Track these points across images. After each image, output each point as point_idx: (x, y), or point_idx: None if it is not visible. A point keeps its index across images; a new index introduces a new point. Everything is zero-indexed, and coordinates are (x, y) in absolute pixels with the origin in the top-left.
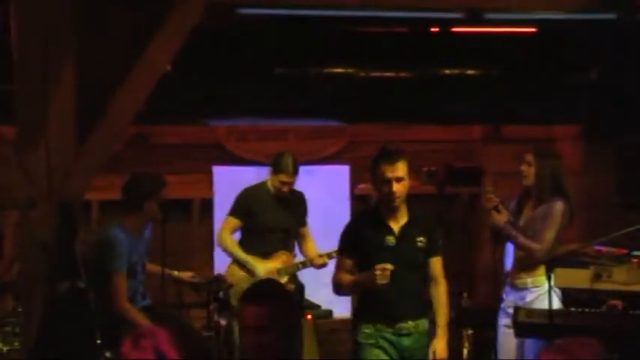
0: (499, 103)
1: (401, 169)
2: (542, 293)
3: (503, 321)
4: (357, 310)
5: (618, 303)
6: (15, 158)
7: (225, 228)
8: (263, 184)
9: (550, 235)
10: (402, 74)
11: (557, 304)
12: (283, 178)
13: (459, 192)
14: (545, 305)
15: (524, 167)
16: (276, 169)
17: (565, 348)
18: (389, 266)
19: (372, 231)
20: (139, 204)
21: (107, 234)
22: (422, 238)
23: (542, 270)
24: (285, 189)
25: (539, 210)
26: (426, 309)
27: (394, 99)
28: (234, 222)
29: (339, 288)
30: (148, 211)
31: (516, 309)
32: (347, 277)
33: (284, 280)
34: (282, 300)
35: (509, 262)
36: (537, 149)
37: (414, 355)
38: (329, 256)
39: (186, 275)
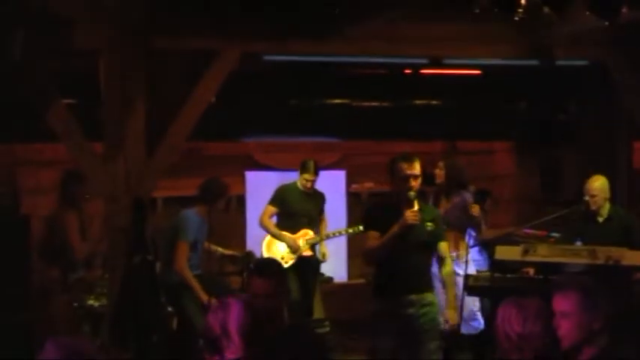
0: (455, 125)
1: (417, 168)
2: (465, 261)
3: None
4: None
5: (529, 270)
6: (102, 165)
7: (265, 213)
8: (294, 182)
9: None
10: (384, 104)
11: (472, 270)
12: (307, 177)
13: (425, 190)
14: (469, 270)
15: (437, 171)
16: (302, 170)
17: (520, 303)
18: (416, 207)
19: (391, 214)
20: (214, 200)
21: (183, 214)
22: (430, 224)
23: (462, 244)
24: (309, 185)
25: (454, 201)
26: (430, 283)
27: (378, 122)
28: (271, 209)
29: (370, 254)
30: (218, 206)
31: (466, 276)
32: (377, 242)
33: (305, 247)
34: (281, 274)
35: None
36: (445, 158)
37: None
38: (339, 233)
39: (227, 251)
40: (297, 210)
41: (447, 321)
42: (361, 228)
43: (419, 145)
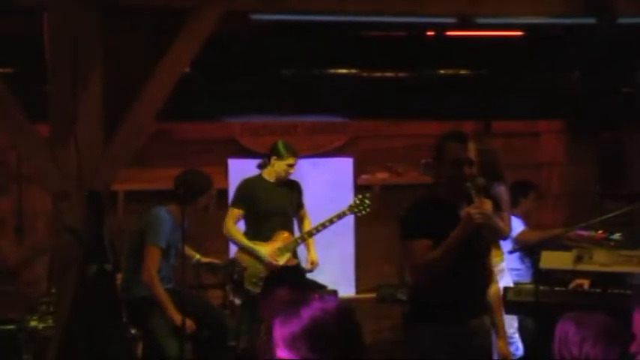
0: (489, 101)
1: (473, 149)
2: (501, 269)
3: None
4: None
5: (584, 282)
6: (48, 152)
7: (229, 219)
8: (259, 175)
9: (508, 216)
10: (401, 74)
11: (509, 281)
12: (290, 160)
13: None
14: (502, 282)
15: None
16: (280, 155)
17: (579, 320)
18: (485, 203)
19: (441, 213)
20: (193, 198)
21: (154, 211)
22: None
23: (496, 252)
24: (292, 171)
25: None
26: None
27: (394, 97)
28: (237, 212)
29: (428, 270)
30: (199, 205)
31: (505, 289)
32: (433, 252)
33: (286, 256)
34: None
35: None
36: (477, 141)
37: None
38: (342, 214)
39: (205, 258)
40: (269, 208)
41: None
42: (357, 206)
43: (444, 126)
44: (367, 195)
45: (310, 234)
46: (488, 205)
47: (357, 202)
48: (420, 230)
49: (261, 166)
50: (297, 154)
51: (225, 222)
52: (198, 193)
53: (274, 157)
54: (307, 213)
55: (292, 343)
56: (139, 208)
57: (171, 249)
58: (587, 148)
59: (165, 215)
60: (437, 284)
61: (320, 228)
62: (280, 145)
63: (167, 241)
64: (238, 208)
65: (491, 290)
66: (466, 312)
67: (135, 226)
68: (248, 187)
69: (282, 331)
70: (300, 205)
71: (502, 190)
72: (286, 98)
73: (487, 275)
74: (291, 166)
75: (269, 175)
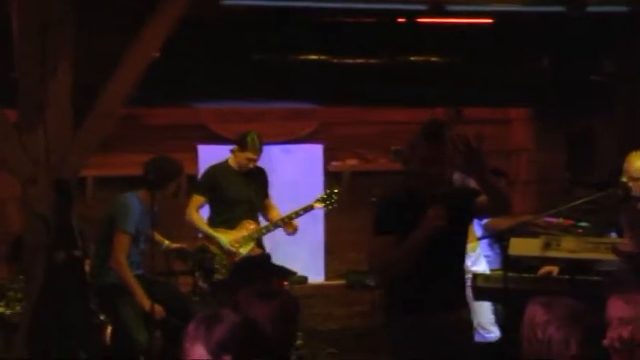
0: (460, 88)
1: (443, 145)
2: (477, 257)
3: None
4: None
5: (553, 269)
6: (16, 137)
7: (192, 205)
8: (225, 161)
9: None
10: (372, 61)
11: (485, 267)
12: (250, 155)
13: None
14: (479, 268)
15: None
16: (243, 146)
17: (547, 303)
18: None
19: (412, 209)
20: (163, 184)
21: (123, 198)
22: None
23: (474, 235)
24: (251, 165)
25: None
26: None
27: (364, 84)
28: (200, 199)
29: (386, 267)
30: (168, 191)
31: (475, 275)
32: (393, 251)
33: (249, 246)
34: None
35: None
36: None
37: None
38: (310, 207)
39: (174, 244)
40: (233, 196)
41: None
42: (324, 200)
43: (415, 113)
44: (335, 190)
45: (276, 225)
46: (439, 214)
47: (325, 196)
48: (386, 226)
49: (232, 151)
50: (259, 151)
51: (188, 209)
52: (167, 180)
53: (237, 147)
54: (273, 203)
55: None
56: (108, 194)
57: (140, 235)
58: (557, 136)
59: (134, 201)
60: (412, 277)
61: (286, 220)
62: (248, 137)
63: (136, 227)
64: (201, 194)
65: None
66: (442, 305)
67: (104, 212)
68: (211, 174)
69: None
70: (265, 195)
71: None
72: (256, 84)
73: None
74: (250, 160)
75: (233, 162)
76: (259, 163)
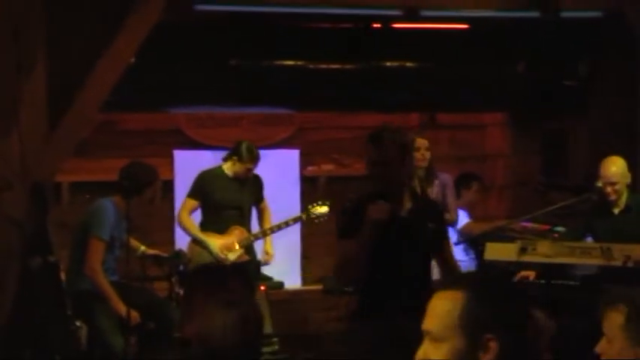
0: (434, 93)
1: (422, 147)
2: None
3: None
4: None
5: (530, 274)
6: None
7: (183, 208)
8: (219, 167)
9: (455, 205)
10: (347, 66)
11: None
12: (249, 165)
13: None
14: None
15: (424, 152)
16: (243, 157)
17: None
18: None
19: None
20: (139, 190)
21: (98, 203)
22: (432, 224)
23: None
24: (250, 174)
25: (442, 186)
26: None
27: (339, 89)
28: (192, 203)
29: (346, 265)
30: (144, 197)
31: None
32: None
33: (238, 252)
34: None
35: None
36: (421, 134)
37: None
38: (299, 219)
39: (150, 250)
40: (224, 202)
41: None
42: (315, 212)
43: (390, 118)
44: (327, 202)
45: (264, 233)
46: (407, 205)
47: (316, 211)
48: (345, 230)
49: (225, 159)
50: (257, 159)
51: (178, 211)
52: (143, 185)
53: (235, 158)
54: (268, 206)
55: None
56: (84, 200)
57: (115, 241)
58: (532, 140)
59: (109, 207)
60: (374, 280)
61: (275, 229)
62: (244, 148)
63: (111, 234)
64: (193, 199)
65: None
66: (405, 311)
67: (79, 218)
68: (204, 178)
69: None
70: (259, 199)
71: (447, 178)
72: (232, 89)
73: (447, 270)
74: (249, 170)
75: (228, 170)
76: None
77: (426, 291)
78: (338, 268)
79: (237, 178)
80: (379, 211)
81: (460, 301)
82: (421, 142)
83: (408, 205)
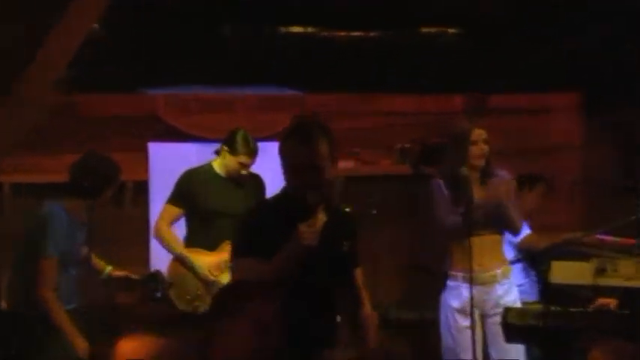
0: (485, 68)
1: (322, 149)
2: (509, 286)
3: (461, 322)
4: None
5: (610, 302)
6: None
7: (162, 218)
8: (208, 165)
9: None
10: (372, 34)
11: (516, 299)
12: (243, 159)
13: (436, 171)
14: (510, 299)
15: (482, 146)
16: (234, 149)
17: (617, 351)
18: (320, 217)
19: (283, 226)
20: (96, 191)
21: (47, 211)
22: (347, 243)
23: (505, 258)
24: (244, 172)
25: (498, 187)
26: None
27: (362, 63)
28: (174, 210)
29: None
30: (104, 199)
31: (507, 310)
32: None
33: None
34: None
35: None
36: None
37: None
38: None
39: (118, 271)
40: (215, 209)
41: None
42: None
43: (426, 101)
44: (347, 209)
45: None
46: (322, 219)
47: None
48: (248, 246)
49: (217, 153)
50: (255, 153)
51: (156, 222)
52: (101, 184)
53: (226, 149)
54: None
55: None
56: (31, 206)
57: (69, 258)
58: (609, 129)
59: (59, 215)
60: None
61: None
62: (239, 137)
63: (63, 249)
64: (175, 205)
65: (363, 314)
66: (313, 344)
67: (24, 227)
68: (190, 179)
69: None
70: None
71: (506, 176)
72: (223, 65)
73: (353, 296)
74: (243, 165)
75: (219, 167)
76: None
77: (330, 323)
78: None
79: (231, 179)
80: (309, 235)
81: None
82: (479, 134)
83: (322, 218)
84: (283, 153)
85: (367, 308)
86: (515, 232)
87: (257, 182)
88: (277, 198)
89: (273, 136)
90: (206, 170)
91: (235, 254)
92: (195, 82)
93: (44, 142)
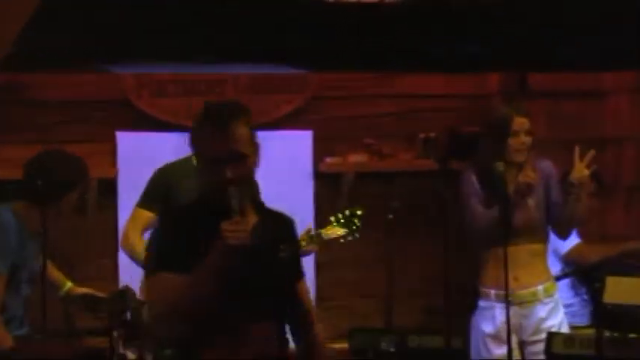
0: (526, 42)
1: (242, 135)
2: (554, 306)
3: (495, 351)
4: None
5: None
6: None
7: (132, 225)
8: (187, 159)
9: None
10: (389, 0)
11: (563, 321)
12: None
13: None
14: (555, 323)
15: (524, 138)
16: None
17: None
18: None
19: (207, 228)
20: (58, 195)
21: None
22: (284, 247)
23: (549, 272)
24: None
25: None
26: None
27: (377, 36)
28: (146, 215)
29: (174, 310)
30: (66, 204)
31: (551, 335)
32: (179, 289)
33: None
34: None
35: None
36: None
37: None
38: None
39: (81, 289)
40: None
41: None
42: (341, 225)
43: (454, 82)
44: (358, 212)
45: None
46: (252, 220)
47: (342, 219)
48: (163, 260)
49: None
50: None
51: (124, 228)
52: (64, 187)
53: None
54: None
55: None
56: None
57: (21, 274)
58: None
59: (8, 221)
60: (203, 329)
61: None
62: None
63: (13, 262)
64: (147, 209)
65: (312, 336)
66: None
67: None
68: (166, 176)
69: None
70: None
71: (549, 166)
72: (209, 37)
73: (298, 314)
74: None
75: None
76: None
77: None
78: (162, 316)
79: None
80: (237, 234)
81: None
82: (521, 123)
83: (252, 219)
84: (194, 144)
85: (318, 329)
86: (567, 234)
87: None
88: (193, 200)
89: (270, 124)
90: (184, 165)
91: (147, 272)
92: (173, 59)
93: None
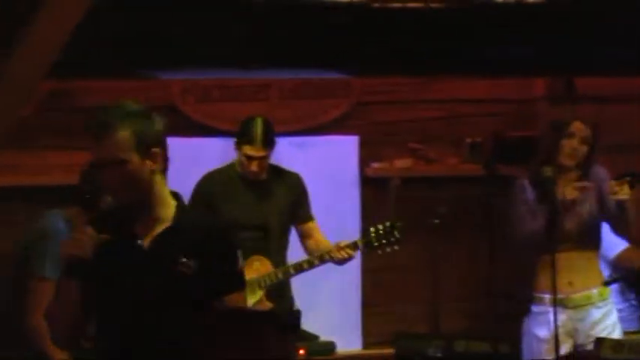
0: (574, 45)
1: (112, 145)
2: (608, 310)
3: (549, 355)
4: None
5: None
6: None
7: None
8: (231, 166)
9: None
10: (434, 4)
11: (616, 327)
12: (248, 150)
13: (514, 172)
14: (606, 326)
15: (578, 146)
16: (240, 138)
17: None
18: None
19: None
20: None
21: (43, 222)
22: (186, 260)
23: (603, 277)
24: (254, 168)
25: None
26: None
27: (422, 41)
28: None
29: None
30: None
31: (600, 340)
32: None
33: (257, 295)
34: None
35: None
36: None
37: None
38: (354, 246)
39: None
40: (239, 219)
41: None
42: (374, 239)
43: (501, 87)
44: (398, 224)
45: (297, 268)
46: (78, 239)
47: (381, 231)
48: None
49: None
50: (265, 145)
51: None
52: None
53: (235, 140)
54: (317, 227)
55: None
56: (23, 215)
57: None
58: None
59: (59, 227)
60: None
61: (316, 262)
62: (249, 125)
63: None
64: None
65: None
66: None
67: (16, 242)
68: (211, 184)
69: None
70: (300, 216)
71: (602, 173)
72: (254, 42)
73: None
74: (250, 158)
75: (239, 165)
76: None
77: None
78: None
79: (251, 181)
80: (78, 245)
81: None
82: (579, 128)
83: (164, 224)
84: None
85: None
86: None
87: (295, 184)
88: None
89: (315, 129)
90: (226, 171)
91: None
92: (219, 64)
93: (30, 137)
